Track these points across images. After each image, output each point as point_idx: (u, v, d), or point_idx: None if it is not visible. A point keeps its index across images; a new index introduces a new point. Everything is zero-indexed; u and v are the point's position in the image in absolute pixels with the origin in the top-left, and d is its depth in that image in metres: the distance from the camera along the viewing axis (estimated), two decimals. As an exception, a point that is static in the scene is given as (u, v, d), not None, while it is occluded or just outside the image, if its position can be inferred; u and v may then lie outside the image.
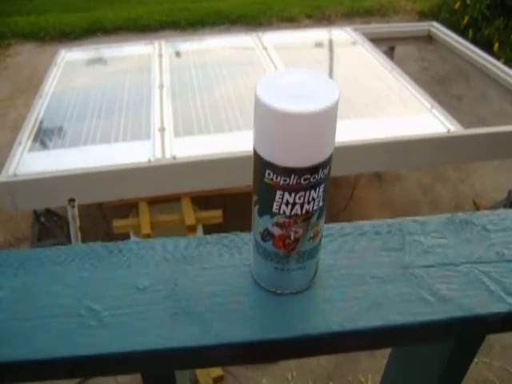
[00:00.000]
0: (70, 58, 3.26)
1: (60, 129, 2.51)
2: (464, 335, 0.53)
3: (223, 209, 2.34)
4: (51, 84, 2.88)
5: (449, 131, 2.33)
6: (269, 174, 0.41)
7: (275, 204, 0.43)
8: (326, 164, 0.42)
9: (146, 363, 0.45)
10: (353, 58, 3.20)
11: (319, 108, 0.39)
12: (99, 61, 3.33)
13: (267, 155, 0.41)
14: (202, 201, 2.53)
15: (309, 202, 0.43)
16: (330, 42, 3.48)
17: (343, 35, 3.49)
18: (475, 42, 4.26)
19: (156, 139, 2.31)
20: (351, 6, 5.97)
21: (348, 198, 2.94)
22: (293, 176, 0.41)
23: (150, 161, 2.15)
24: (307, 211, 0.43)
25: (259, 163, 0.42)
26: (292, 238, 0.44)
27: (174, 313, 0.46)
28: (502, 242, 0.54)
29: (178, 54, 3.32)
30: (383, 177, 3.25)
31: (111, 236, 2.56)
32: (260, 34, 3.51)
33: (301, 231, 0.44)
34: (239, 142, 2.24)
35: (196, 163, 2.17)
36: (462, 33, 4.67)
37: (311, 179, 0.41)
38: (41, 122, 2.52)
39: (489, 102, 3.89)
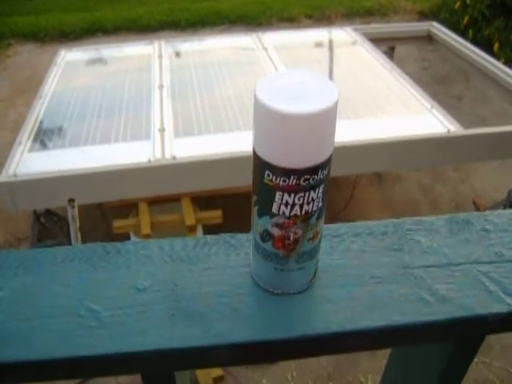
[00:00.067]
0: (70, 58, 3.26)
1: (60, 129, 2.51)
2: (463, 335, 0.53)
3: (223, 209, 2.35)
4: (51, 84, 2.88)
5: (449, 131, 2.33)
6: (268, 175, 0.42)
7: (275, 205, 0.43)
8: (325, 165, 0.42)
9: (146, 363, 0.45)
10: (353, 58, 3.20)
11: (318, 109, 0.39)
12: (99, 61, 3.33)
13: (266, 156, 0.41)
14: (202, 201, 2.53)
15: (308, 203, 0.43)
16: (330, 42, 3.48)
17: (343, 35, 3.50)
18: (475, 42, 4.27)
19: (156, 139, 2.31)
20: (351, 6, 5.97)
21: (348, 198, 2.94)
22: (292, 177, 0.41)
23: (149, 161, 2.16)
24: (307, 212, 0.43)
25: (258, 164, 0.42)
26: (291, 238, 0.44)
27: (174, 313, 0.46)
28: (501, 242, 0.54)
29: (177, 54, 3.32)
30: (383, 177, 3.26)
31: (111, 236, 2.57)
32: (260, 34, 3.52)
33: (300, 232, 0.44)
34: (239, 142, 2.24)
35: (196, 163, 2.17)
36: (462, 33, 4.67)
37: (311, 180, 0.41)
38: (41, 122, 2.52)
39: (489, 102, 3.89)
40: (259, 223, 0.45)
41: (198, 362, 0.49)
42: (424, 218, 0.57)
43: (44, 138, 2.42)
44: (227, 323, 0.45)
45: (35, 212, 2.61)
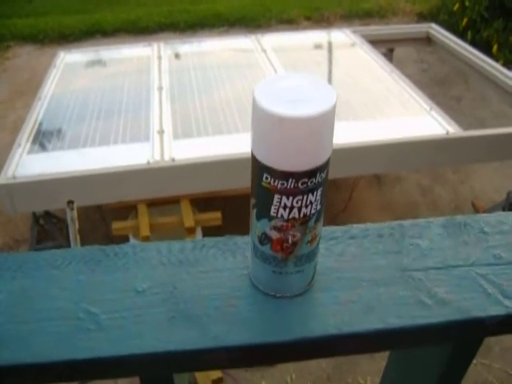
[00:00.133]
0: (69, 60, 3.26)
1: (59, 131, 2.51)
2: (462, 338, 0.53)
3: (222, 211, 2.35)
4: (50, 86, 2.88)
5: (448, 133, 2.33)
6: (266, 178, 0.42)
7: (273, 208, 0.43)
8: (323, 168, 0.42)
9: (144, 366, 0.45)
10: (352, 59, 3.21)
11: (316, 112, 0.39)
12: (98, 63, 3.33)
13: (265, 159, 0.41)
14: (201, 203, 2.53)
15: (306, 206, 0.43)
16: (329, 44, 3.48)
17: (342, 37, 3.50)
18: (474, 43, 4.27)
19: (155, 141, 2.31)
20: (350, 8, 5.98)
21: (347, 200, 2.94)
22: (290, 180, 0.41)
23: (148, 163, 2.15)
24: (305, 215, 0.43)
25: (257, 167, 0.42)
26: (290, 241, 0.44)
27: (172, 316, 0.46)
28: (499, 244, 0.54)
29: (177, 56, 3.33)
30: (383, 178, 3.26)
31: (110, 238, 2.56)
32: (259, 36, 3.52)
33: (298, 235, 0.44)
34: (238, 145, 2.24)
35: (195, 165, 2.17)
36: (461, 34, 4.67)
37: (309, 183, 0.41)
38: (40, 124, 2.52)
39: (488, 104, 3.89)
40: (258, 226, 0.45)
41: (196, 365, 0.49)
42: (422, 221, 0.57)
43: (43, 139, 2.41)
44: (225, 326, 0.45)
45: (34, 214, 2.61)
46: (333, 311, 0.47)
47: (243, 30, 5.39)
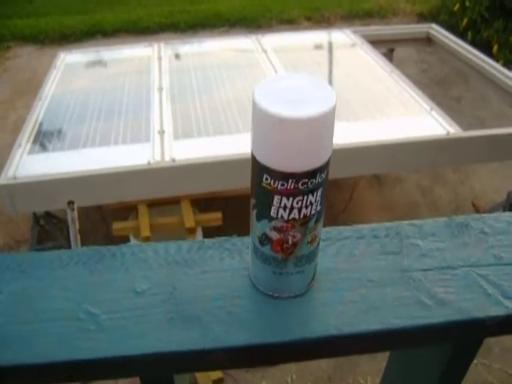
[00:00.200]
0: (70, 60, 3.26)
1: (59, 131, 2.51)
2: (462, 338, 0.53)
3: (223, 211, 2.35)
4: (51, 86, 2.88)
5: (448, 133, 2.33)
6: (266, 179, 0.42)
7: (273, 208, 0.43)
8: (323, 168, 0.42)
9: (145, 367, 0.45)
10: (352, 60, 3.21)
11: (316, 113, 0.39)
12: (99, 63, 3.33)
13: (265, 160, 0.41)
14: (202, 203, 2.53)
15: (306, 207, 0.43)
16: (330, 45, 3.48)
17: (342, 37, 3.50)
18: (474, 44, 4.27)
19: (155, 142, 2.31)
20: (350, 8, 5.98)
21: (347, 200, 2.94)
22: (290, 181, 0.41)
23: (149, 163, 2.16)
24: (305, 215, 0.43)
25: (257, 168, 0.42)
26: (290, 242, 0.44)
27: (172, 316, 0.46)
28: (499, 245, 0.54)
29: (177, 56, 3.33)
30: (383, 179, 3.26)
31: (111, 238, 2.57)
32: (259, 36, 3.52)
33: (299, 235, 0.44)
34: (238, 145, 2.24)
35: (195, 166, 2.17)
36: (461, 35, 4.67)
37: (309, 184, 0.41)
38: (40, 125, 2.52)
39: (488, 104, 3.89)
40: (258, 227, 0.45)
41: (196, 365, 0.49)
42: (422, 221, 0.57)
43: (44, 140, 2.42)
44: (226, 326, 0.45)
45: (35, 214, 2.61)
46: (333, 312, 0.47)
47: (244, 30, 5.40)
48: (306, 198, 0.42)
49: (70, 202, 1.93)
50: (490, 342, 2.12)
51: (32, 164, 2.22)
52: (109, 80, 3.01)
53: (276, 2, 6.18)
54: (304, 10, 5.97)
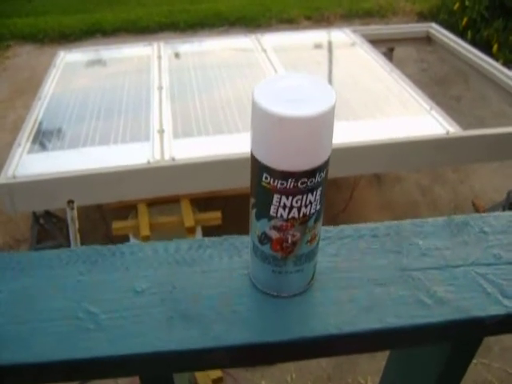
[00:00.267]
0: (69, 59, 3.26)
1: (59, 130, 2.51)
2: (461, 338, 0.53)
3: (222, 210, 2.35)
4: (50, 86, 2.88)
5: (448, 133, 2.33)
6: (266, 178, 0.42)
7: (272, 207, 0.43)
8: (323, 168, 0.42)
9: (144, 366, 0.45)
10: (352, 59, 3.21)
11: (316, 112, 0.39)
12: (98, 62, 3.33)
13: (264, 159, 0.41)
14: (201, 202, 2.53)
15: (306, 206, 0.43)
16: (329, 44, 3.48)
17: (342, 37, 3.50)
18: (474, 43, 4.27)
19: (155, 141, 2.31)
20: (350, 8, 5.98)
21: (347, 200, 2.94)
22: (290, 180, 0.41)
23: (149, 162, 2.16)
24: (304, 214, 0.43)
25: (256, 167, 0.42)
26: (289, 241, 0.44)
27: (172, 316, 0.46)
28: (499, 244, 0.54)
29: (177, 55, 3.33)
30: (383, 178, 3.26)
31: (110, 238, 2.57)
32: (259, 35, 3.52)
33: (298, 234, 0.44)
34: (238, 144, 2.24)
35: (195, 165, 2.17)
36: (461, 34, 4.67)
37: (308, 183, 0.41)
38: (40, 124, 2.52)
39: (488, 104, 3.89)
40: (257, 226, 0.45)
41: (196, 365, 0.49)
42: (422, 220, 0.57)
43: (43, 139, 2.42)
44: (225, 325, 0.45)
45: (34, 213, 2.61)
46: (332, 311, 0.47)
47: (243, 29, 5.39)
48: (305, 197, 0.42)
49: (70, 201, 1.93)
50: (489, 341, 2.12)
51: (31, 163, 2.22)
52: (108, 79, 3.00)
53: (276, 1, 6.18)
54: (304, 9, 5.97)
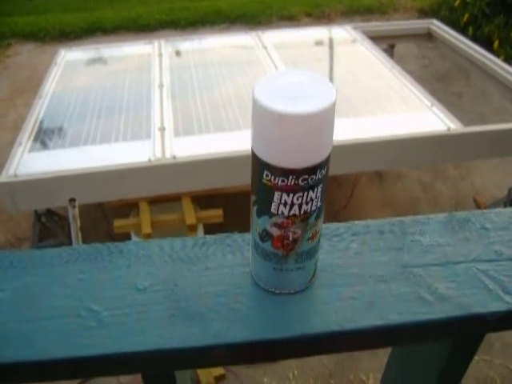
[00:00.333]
0: (70, 57, 3.26)
1: (60, 129, 2.51)
2: (463, 334, 0.53)
3: (224, 208, 2.35)
4: (51, 84, 2.88)
5: (449, 129, 2.33)
6: (267, 175, 0.42)
7: (273, 205, 0.43)
8: (323, 165, 0.42)
9: (146, 363, 0.45)
10: (353, 56, 3.20)
11: (316, 109, 0.39)
12: (99, 60, 3.33)
13: (265, 156, 0.41)
14: (203, 200, 2.53)
15: (307, 203, 0.43)
16: (330, 41, 3.48)
17: (343, 33, 3.49)
18: (475, 39, 4.26)
19: (156, 139, 2.31)
20: (351, 4, 5.97)
21: (348, 197, 2.94)
22: (291, 177, 0.41)
23: (150, 160, 2.16)
24: (305, 212, 0.43)
25: (257, 164, 0.42)
26: (290, 238, 0.44)
27: (174, 313, 0.46)
28: (500, 240, 0.54)
29: (177, 53, 3.32)
30: (384, 175, 3.25)
31: (112, 236, 2.57)
32: (260, 32, 3.51)
33: (299, 232, 0.44)
34: (239, 142, 2.24)
35: (196, 163, 2.17)
36: (462, 30, 4.67)
37: (309, 180, 0.41)
38: (41, 122, 2.52)
39: (489, 100, 3.89)
40: (258, 223, 0.45)
41: (197, 362, 0.49)
42: (423, 217, 0.57)
43: (44, 137, 2.42)
44: (227, 323, 0.45)
45: (36, 212, 2.62)
46: (334, 308, 0.47)
47: (244, 26, 5.39)
48: (306, 194, 0.42)
49: (71, 200, 1.93)
50: (491, 337, 2.12)
51: (33, 162, 2.22)
52: (109, 77, 3.00)
53: (276, -2, 6.17)
54: (304, 6, 5.96)
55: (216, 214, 2.32)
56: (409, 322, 0.46)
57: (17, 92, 4.27)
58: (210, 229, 2.37)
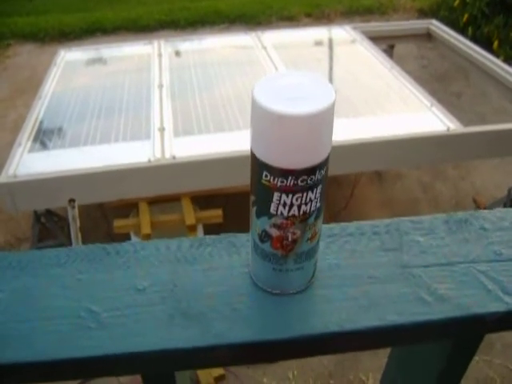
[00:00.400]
0: (70, 58, 3.26)
1: (60, 129, 2.51)
2: (462, 335, 0.53)
3: (223, 208, 2.35)
4: (51, 84, 2.88)
5: (448, 129, 2.33)
6: (266, 176, 0.42)
7: (273, 205, 0.43)
8: (323, 165, 0.42)
9: (146, 364, 0.45)
10: (352, 56, 3.20)
11: (315, 110, 0.39)
12: (99, 61, 3.33)
13: (264, 157, 0.41)
14: (202, 200, 2.53)
15: (306, 203, 0.43)
16: (330, 41, 3.48)
17: (343, 34, 3.49)
18: (475, 39, 4.26)
19: (156, 139, 2.31)
20: (350, 5, 5.97)
21: (348, 197, 2.94)
22: (290, 177, 0.41)
23: (149, 161, 2.16)
24: (305, 212, 0.43)
25: (256, 165, 0.42)
26: (290, 239, 0.44)
27: (173, 314, 0.46)
28: (499, 241, 0.54)
29: (177, 53, 3.32)
30: (383, 175, 3.26)
31: (112, 236, 2.57)
32: (259, 33, 3.52)
33: (298, 232, 0.44)
34: (239, 142, 2.24)
35: (196, 163, 2.17)
36: (462, 31, 4.67)
37: (308, 180, 0.41)
38: (40, 123, 2.52)
39: (488, 100, 3.89)
40: (257, 224, 0.45)
41: (197, 363, 0.49)
42: (422, 217, 0.57)
43: (44, 138, 2.42)
44: (226, 323, 0.45)
45: (36, 212, 2.61)
46: (333, 308, 0.47)
47: (243, 27, 5.39)
48: (305, 194, 0.42)
49: (71, 200, 1.93)
50: (491, 338, 2.12)
51: (32, 162, 2.22)
52: (109, 77, 3.00)
53: (276, -2, 6.17)
54: (304, 6, 5.96)
55: (216, 215, 2.32)
56: (408, 323, 0.46)
57: (16, 92, 4.27)
58: (210, 229, 2.37)
